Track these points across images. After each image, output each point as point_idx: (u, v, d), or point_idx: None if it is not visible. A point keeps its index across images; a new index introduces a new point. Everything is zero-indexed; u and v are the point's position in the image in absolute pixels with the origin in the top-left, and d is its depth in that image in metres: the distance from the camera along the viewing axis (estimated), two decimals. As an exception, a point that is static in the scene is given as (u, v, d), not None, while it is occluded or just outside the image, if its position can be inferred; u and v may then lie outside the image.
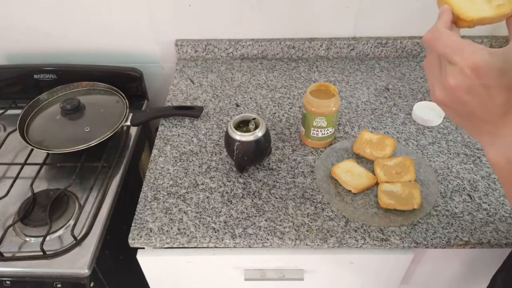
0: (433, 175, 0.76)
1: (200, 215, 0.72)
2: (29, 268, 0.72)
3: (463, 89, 0.39)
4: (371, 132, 0.84)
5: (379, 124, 0.90)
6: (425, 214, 0.71)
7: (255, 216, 0.72)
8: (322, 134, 0.81)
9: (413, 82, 1.02)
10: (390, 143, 0.81)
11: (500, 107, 0.39)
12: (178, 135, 0.89)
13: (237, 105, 0.96)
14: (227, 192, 0.76)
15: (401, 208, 0.71)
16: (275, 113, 0.94)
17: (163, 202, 0.75)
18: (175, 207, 0.74)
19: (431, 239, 0.68)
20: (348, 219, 0.71)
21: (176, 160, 0.83)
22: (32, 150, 0.88)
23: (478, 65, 0.38)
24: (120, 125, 0.91)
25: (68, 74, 1.04)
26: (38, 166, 0.87)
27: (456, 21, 0.45)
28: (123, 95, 0.98)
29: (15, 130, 0.91)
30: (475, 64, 0.38)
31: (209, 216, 0.72)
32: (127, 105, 0.95)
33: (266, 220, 0.71)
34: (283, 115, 0.93)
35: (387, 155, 0.80)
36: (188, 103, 0.97)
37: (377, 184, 0.76)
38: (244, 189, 0.77)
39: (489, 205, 0.73)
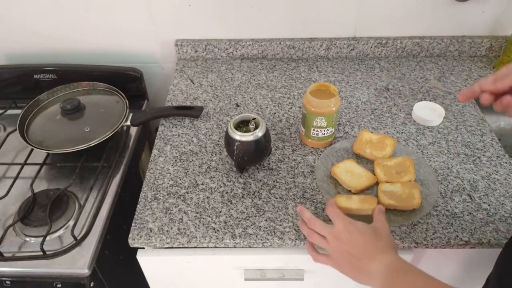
0: (433, 175, 0.76)
1: (200, 215, 0.72)
2: (29, 268, 0.72)
3: (341, 239, 0.60)
4: (371, 132, 0.84)
5: (379, 124, 0.90)
6: (425, 214, 0.71)
7: (255, 216, 0.72)
8: (322, 134, 0.81)
9: (413, 82, 1.02)
10: (390, 143, 0.81)
11: (364, 251, 0.58)
12: (178, 135, 0.89)
13: (237, 105, 0.96)
14: (227, 192, 0.76)
15: (401, 208, 0.71)
16: (275, 113, 0.94)
17: (163, 202, 0.75)
18: (175, 207, 0.74)
19: (431, 239, 0.68)
20: (348, 219, 0.71)
21: (176, 160, 0.83)
22: (32, 150, 0.88)
23: (347, 225, 0.61)
24: (120, 125, 0.91)
25: (68, 74, 1.04)
26: (38, 166, 0.87)
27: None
28: (123, 95, 0.98)
29: (15, 130, 0.91)
30: (345, 224, 0.61)
31: (209, 216, 0.72)
32: (127, 105, 0.95)
33: (266, 220, 0.71)
34: (283, 115, 0.93)
35: (387, 155, 0.80)
36: (188, 103, 0.97)
37: (377, 184, 0.76)
38: (244, 189, 0.77)
39: (489, 205, 0.73)
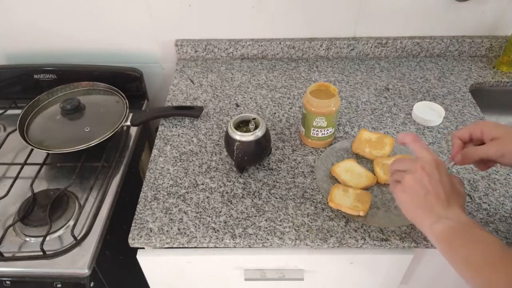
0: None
1: (200, 215, 0.72)
2: (29, 268, 0.72)
3: (427, 171, 0.56)
4: (370, 131, 0.84)
5: (379, 124, 0.90)
6: (425, 214, 0.71)
7: (255, 216, 0.72)
8: (322, 134, 0.81)
9: (413, 82, 1.02)
10: (389, 142, 0.81)
11: (444, 194, 0.55)
12: (178, 135, 0.89)
13: (237, 105, 0.96)
14: (227, 192, 0.76)
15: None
16: (275, 113, 0.94)
17: (163, 202, 0.75)
18: (175, 207, 0.74)
19: (431, 239, 0.68)
20: (348, 219, 0.71)
21: (176, 160, 0.83)
22: (32, 150, 0.88)
23: (438, 160, 0.57)
24: (120, 125, 0.91)
25: (68, 74, 1.04)
26: (38, 166, 0.87)
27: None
28: (123, 95, 0.98)
29: (15, 130, 0.91)
30: (436, 159, 0.57)
31: (209, 216, 0.72)
32: (127, 105, 0.95)
33: (266, 220, 0.71)
34: (283, 115, 0.93)
35: (387, 154, 0.80)
36: (188, 103, 0.97)
37: (377, 183, 0.76)
38: (244, 189, 0.77)
39: (489, 205, 0.73)
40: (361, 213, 0.69)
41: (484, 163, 0.63)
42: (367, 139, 0.82)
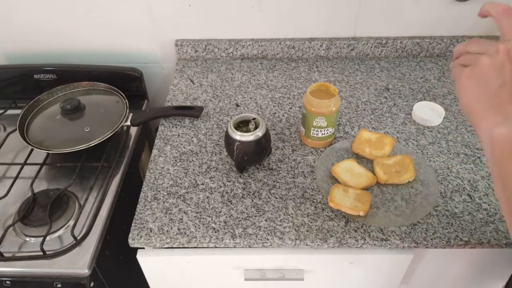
0: (433, 175, 0.76)
1: (200, 215, 0.72)
2: (29, 268, 0.72)
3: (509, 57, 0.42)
4: (370, 131, 0.84)
5: (379, 124, 0.90)
6: (425, 214, 0.71)
7: (255, 216, 0.72)
8: (322, 134, 0.81)
9: (413, 82, 1.02)
10: (389, 142, 0.81)
11: None
12: (178, 135, 0.89)
13: (237, 105, 0.96)
14: (227, 192, 0.76)
15: (397, 182, 0.75)
16: (275, 113, 0.94)
17: (163, 202, 0.75)
18: (175, 207, 0.74)
19: (431, 239, 0.68)
20: (348, 219, 0.71)
21: (176, 160, 0.83)
22: (32, 150, 0.88)
23: None
24: (120, 125, 0.91)
25: (68, 74, 1.04)
26: (38, 166, 0.87)
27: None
28: (123, 95, 0.98)
29: (15, 130, 0.91)
30: None
31: (209, 216, 0.72)
32: (127, 105, 0.95)
33: (266, 220, 0.71)
34: (283, 115, 0.93)
35: (386, 154, 0.80)
36: (188, 103, 0.97)
37: (377, 183, 0.76)
38: (244, 189, 0.77)
39: (489, 205, 0.73)
40: (361, 213, 0.69)
41: None
42: (367, 139, 0.82)
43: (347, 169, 0.77)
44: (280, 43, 1.08)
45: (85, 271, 0.72)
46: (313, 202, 0.74)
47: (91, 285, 0.73)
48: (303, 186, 0.77)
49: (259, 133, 0.74)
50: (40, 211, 0.79)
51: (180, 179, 0.79)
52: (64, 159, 0.90)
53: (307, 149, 0.84)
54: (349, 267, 0.74)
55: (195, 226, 0.71)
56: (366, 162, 0.81)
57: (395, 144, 0.82)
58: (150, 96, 1.13)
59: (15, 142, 0.93)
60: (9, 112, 1.03)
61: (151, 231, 0.70)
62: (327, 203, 0.71)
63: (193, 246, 0.70)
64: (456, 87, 0.47)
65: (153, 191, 0.77)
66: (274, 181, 0.78)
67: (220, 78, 1.04)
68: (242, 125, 0.78)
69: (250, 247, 0.70)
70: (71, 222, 0.78)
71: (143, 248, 0.73)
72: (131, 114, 0.94)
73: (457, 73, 0.47)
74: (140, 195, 0.76)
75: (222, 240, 0.69)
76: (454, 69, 0.48)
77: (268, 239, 0.68)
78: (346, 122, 0.90)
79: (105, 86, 1.01)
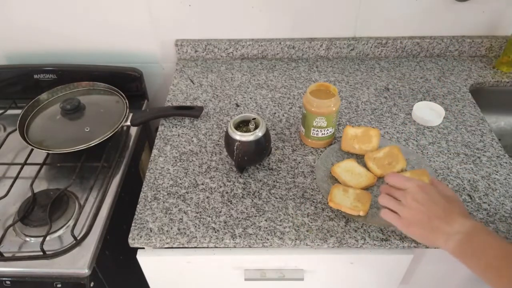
0: (433, 175, 0.76)
1: (200, 215, 0.72)
2: (29, 268, 0.72)
3: (418, 200, 0.59)
4: (354, 126, 0.84)
5: (379, 124, 0.90)
6: (425, 214, 0.71)
7: (255, 216, 0.72)
8: (322, 134, 0.81)
9: (413, 82, 1.02)
10: (375, 134, 0.82)
11: (443, 211, 0.58)
12: (178, 135, 0.89)
13: (237, 105, 0.96)
14: (227, 192, 0.76)
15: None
16: (275, 113, 0.94)
17: (163, 202, 0.75)
18: (175, 207, 0.74)
19: (431, 239, 0.68)
20: (348, 219, 0.71)
21: (176, 160, 0.83)
22: (32, 150, 0.88)
23: (422, 184, 0.61)
24: (120, 125, 0.91)
25: (68, 74, 1.04)
26: (38, 166, 0.87)
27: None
28: (123, 95, 0.98)
29: (15, 130, 0.91)
30: (419, 184, 0.61)
31: (209, 216, 0.72)
32: (127, 105, 0.95)
33: (266, 220, 0.71)
34: (283, 115, 0.93)
35: (375, 147, 0.80)
36: (188, 103, 0.97)
37: (378, 181, 0.76)
38: (244, 189, 0.77)
39: (489, 205, 0.73)
40: (361, 213, 0.69)
41: None
42: (353, 135, 0.82)
43: (347, 169, 0.77)
44: (280, 43, 1.08)
45: (85, 271, 0.72)
46: (313, 202, 0.74)
47: (91, 285, 0.73)
48: (303, 186, 0.77)
49: (259, 133, 0.74)
50: (40, 211, 0.79)
51: (180, 179, 0.79)
52: (64, 159, 0.90)
53: (307, 149, 0.84)
54: (349, 267, 0.74)
55: (195, 226, 0.71)
56: (356, 157, 0.81)
57: (380, 134, 0.82)
58: (150, 96, 1.13)
59: (15, 142, 0.93)
60: (9, 112, 1.03)
61: (151, 231, 0.70)
62: (327, 203, 0.71)
63: (193, 246, 0.70)
64: (406, 234, 0.61)
65: (153, 191, 0.77)
66: (274, 181, 0.78)
67: (220, 78, 1.04)
68: (242, 125, 0.78)
69: (250, 247, 0.70)
70: (71, 222, 0.78)
71: (143, 248, 0.73)
72: (131, 114, 0.94)
73: (395, 222, 0.61)
74: (140, 195, 0.76)
75: (222, 240, 0.69)
76: (388, 214, 0.62)
77: (268, 239, 0.68)
78: (346, 122, 0.90)
79: (105, 86, 1.01)
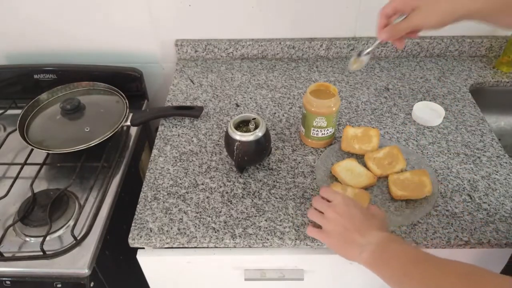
0: (433, 175, 0.76)
1: (200, 215, 0.72)
2: (29, 268, 0.72)
3: (339, 213, 0.61)
4: (354, 126, 0.84)
5: (379, 124, 0.90)
6: (425, 214, 0.71)
7: (255, 216, 0.72)
8: (322, 134, 0.81)
9: (413, 82, 1.02)
10: (374, 134, 0.82)
11: (359, 225, 0.59)
12: (178, 135, 0.89)
13: (237, 105, 0.96)
14: (227, 192, 0.76)
15: (414, 197, 0.72)
16: (275, 113, 0.94)
17: (163, 202, 0.75)
18: (175, 207, 0.74)
19: (431, 239, 0.68)
20: (348, 219, 0.71)
21: (176, 160, 0.83)
22: (32, 150, 0.88)
23: (346, 199, 0.63)
24: (120, 125, 0.91)
25: (68, 74, 1.04)
26: (38, 166, 0.87)
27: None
28: (123, 95, 0.98)
29: (15, 130, 0.91)
30: (344, 198, 0.63)
31: (209, 216, 0.72)
32: (127, 105, 0.95)
33: (266, 220, 0.71)
34: (283, 115, 0.93)
35: (375, 147, 0.80)
36: (188, 103, 0.97)
37: (378, 181, 0.76)
38: (244, 189, 0.77)
39: (489, 205, 0.73)
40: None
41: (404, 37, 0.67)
42: (353, 135, 0.82)
43: (348, 169, 0.77)
44: (280, 43, 1.08)
45: (85, 271, 0.72)
46: (313, 202, 0.74)
47: (91, 285, 0.73)
48: (303, 186, 0.77)
49: (259, 133, 0.74)
50: (40, 211, 0.79)
51: (180, 179, 0.79)
52: (64, 159, 0.90)
53: (307, 149, 0.84)
54: (349, 267, 0.74)
55: (195, 226, 0.71)
56: (357, 157, 0.81)
57: (380, 134, 0.82)
58: (150, 96, 1.13)
59: (15, 142, 0.93)
60: (9, 112, 1.03)
61: (151, 231, 0.70)
62: None
63: (193, 246, 0.70)
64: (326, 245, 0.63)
65: (153, 191, 0.77)
66: (274, 181, 0.78)
67: (220, 78, 1.04)
68: (242, 125, 0.78)
69: (250, 247, 0.70)
70: (71, 222, 0.78)
71: (143, 248, 0.73)
72: (131, 114, 0.94)
73: (318, 237, 0.63)
74: (140, 195, 0.76)
75: (222, 240, 0.69)
76: (314, 231, 0.64)
77: (268, 239, 0.68)
78: (346, 122, 0.90)
79: (105, 86, 1.01)
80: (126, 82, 1.04)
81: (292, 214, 0.72)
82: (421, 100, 0.95)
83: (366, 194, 0.72)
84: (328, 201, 0.64)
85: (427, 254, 0.53)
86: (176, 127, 0.91)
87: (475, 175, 0.78)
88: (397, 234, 0.68)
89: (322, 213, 0.63)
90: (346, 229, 0.60)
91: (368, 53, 0.72)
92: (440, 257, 0.52)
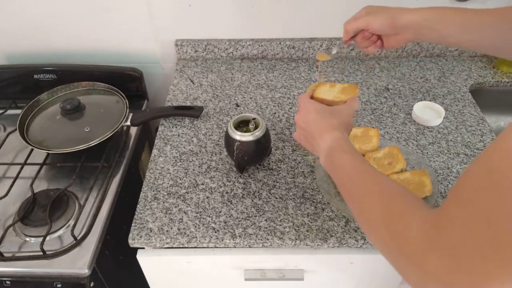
0: (433, 175, 0.76)
1: (200, 215, 0.72)
2: (29, 268, 0.72)
3: (301, 119, 0.63)
4: (353, 126, 0.83)
5: (379, 124, 0.90)
6: (425, 214, 0.71)
7: (255, 216, 0.72)
8: (322, 134, 0.81)
9: (413, 82, 1.02)
10: (374, 134, 0.81)
11: (316, 128, 0.60)
12: (178, 135, 0.89)
13: (237, 105, 0.96)
14: (227, 192, 0.76)
15: (392, 173, 0.73)
16: (275, 113, 0.94)
17: (163, 202, 0.75)
18: (175, 207, 0.74)
19: (431, 239, 0.68)
20: (348, 219, 0.71)
21: (176, 160, 0.83)
22: (32, 150, 0.88)
23: (305, 105, 0.63)
24: (120, 125, 0.91)
25: (68, 74, 1.04)
26: (38, 166, 0.87)
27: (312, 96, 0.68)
28: (123, 95, 0.98)
29: (15, 130, 0.91)
30: (303, 105, 0.64)
31: (209, 216, 0.72)
32: (127, 105, 0.95)
33: (266, 220, 0.71)
34: (283, 115, 0.93)
35: (375, 147, 0.80)
36: (188, 103, 0.97)
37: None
38: (244, 189, 0.77)
39: (489, 205, 0.73)
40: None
41: (369, 41, 0.72)
42: (353, 135, 0.82)
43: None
44: (280, 43, 1.08)
45: (85, 271, 0.72)
46: (313, 202, 0.74)
47: (91, 285, 0.73)
48: (303, 186, 0.77)
49: (259, 133, 0.74)
50: (40, 211, 0.79)
51: (180, 179, 0.79)
52: (64, 159, 0.90)
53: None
54: (349, 267, 0.74)
55: (195, 226, 0.71)
56: None
57: (379, 134, 0.82)
58: (150, 96, 1.13)
59: (15, 142, 0.93)
60: (9, 112, 1.03)
61: (151, 231, 0.70)
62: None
63: (193, 246, 0.70)
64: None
65: (153, 191, 0.77)
66: (274, 181, 0.78)
67: (220, 78, 1.04)
68: (242, 125, 0.78)
69: (250, 247, 0.70)
70: (71, 222, 0.78)
71: (143, 248, 0.73)
72: (131, 114, 0.94)
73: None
74: (140, 195, 0.76)
75: (222, 240, 0.69)
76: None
77: (268, 239, 0.68)
78: (346, 122, 0.90)
79: (105, 86, 1.01)
80: (126, 82, 1.04)
81: (292, 214, 0.72)
82: (421, 100, 0.95)
83: (354, 87, 0.68)
84: None
85: (365, 168, 0.52)
86: (176, 127, 0.91)
87: (475, 175, 0.78)
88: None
89: None
90: (307, 133, 0.62)
91: (335, 53, 0.78)
92: (379, 173, 0.51)
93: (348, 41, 0.73)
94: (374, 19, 0.68)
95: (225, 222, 0.71)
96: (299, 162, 0.82)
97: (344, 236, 0.68)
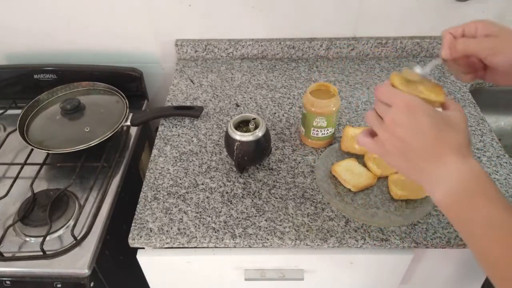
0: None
1: (200, 215, 0.72)
2: (29, 268, 0.72)
3: (398, 123, 0.44)
4: (354, 126, 0.84)
5: (379, 124, 0.90)
6: (425, 214, 0.71)
7: (255, 216, 0.72)
8: (322, 134, 0.81)
9: (413, 82, 1.01)
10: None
11: (430, 145, 0.43)
12: (178, 135, 0.89)
13: (237, 105, 0.96)
14: (227, 192, 0.76)
15: (414, 197, 0.72)
16: (275, 113, 0.94)
17: (163, 202, 0.75)
18: (175, 207, 0.74)
19: (431, 239, 0.68)
20: (348, 219, 0.71)
21: (176, 160, 0.83)
22: (32, 150, 0.88)
23: (410, 103, 0.44)
24: (120, 125, 0.91)
25: (68, 74, 1.04)
26: (38, 166, 0.87)
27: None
28: (123, 95, 0.98)
29: (15, 130, 0.91)
30: (407, 102, 0.44)
31: (209, 216, 0.72)
32: (127, 105, 0.95)
33: (266, 220, 0.71)
34: (283, 115, 0.93)
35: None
36: (188, 103, 0.97)
37: (378, 181, 0.76)
38: (244, 189, 0.77)
39: (489, 205, 0.73)
40: (437, 106, 0.49)
41: (471, 67, 0.53)
42: (353, 135, 0.82)
43: (348, 169, 0.77)
44: (280, 43, 1.08)
45: (85, 271, 0.72)
46: (313, 202, 0.74)
47: (91, 285, 0.73)
48: (303, 186, 0.77)
49: (259, 133, 0.74)
50: (40, 211, 0.79)
51: (180, 179, 0.79)
52: (64, 159, 0.90)
53: (307, 149, 0.84)
54: (349, 267, 0.74)
55: (195, 226, 0.71)
56: (357, 157, 0.81)
57: None
58: (150, 96, 1.13)
59: (15, 142, 0.93)
60: (9, 112, 1.03)
61: (151, 231, 0.70)
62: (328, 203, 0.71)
63: (193, 246, 0.70)
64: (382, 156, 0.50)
65: (153, 191, 0.77)
66: (274, 181, 0.78)
67: (220, 78, 1.04)
68: (242, 125, 0.78)
69: (250, 247, 0.70)
70: (71, 222, 0.78)
71: (143, 248, 0.73)
72: (131, 114, 0.94)
73: (359, 136, 0.52)
74: (140, 195, 0.76)
75: (222, 240, 0.69)
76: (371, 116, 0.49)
77: (268, 239, 0.68)
78: (346, 122, 0.90)
79: (105, 86, 1.01)
80: (126, 82, 1.04)
81: (292, 214, 0.72)
82: (421, 100, 0.95)
83: (439, 89, 0.51)
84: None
85: None
86: (176, 127, 0.91)
87: (475, 175, 0.78)
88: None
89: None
90: (410, 148, 0.43)
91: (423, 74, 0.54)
92: None
93: (451, 62, 0.53)
94: (501, 50, 0.49)
95: (225, 222, 0.71)
96: (299, 162, 0.82)
97: (344, 236, 0.68)
